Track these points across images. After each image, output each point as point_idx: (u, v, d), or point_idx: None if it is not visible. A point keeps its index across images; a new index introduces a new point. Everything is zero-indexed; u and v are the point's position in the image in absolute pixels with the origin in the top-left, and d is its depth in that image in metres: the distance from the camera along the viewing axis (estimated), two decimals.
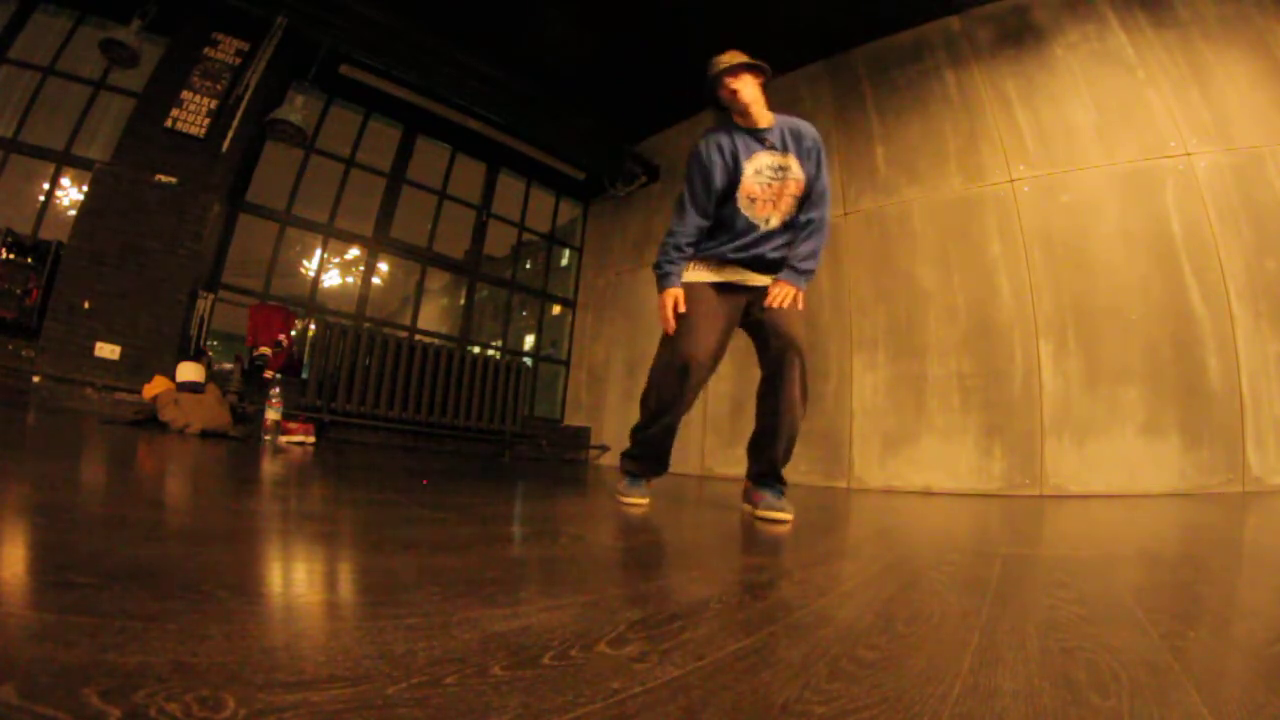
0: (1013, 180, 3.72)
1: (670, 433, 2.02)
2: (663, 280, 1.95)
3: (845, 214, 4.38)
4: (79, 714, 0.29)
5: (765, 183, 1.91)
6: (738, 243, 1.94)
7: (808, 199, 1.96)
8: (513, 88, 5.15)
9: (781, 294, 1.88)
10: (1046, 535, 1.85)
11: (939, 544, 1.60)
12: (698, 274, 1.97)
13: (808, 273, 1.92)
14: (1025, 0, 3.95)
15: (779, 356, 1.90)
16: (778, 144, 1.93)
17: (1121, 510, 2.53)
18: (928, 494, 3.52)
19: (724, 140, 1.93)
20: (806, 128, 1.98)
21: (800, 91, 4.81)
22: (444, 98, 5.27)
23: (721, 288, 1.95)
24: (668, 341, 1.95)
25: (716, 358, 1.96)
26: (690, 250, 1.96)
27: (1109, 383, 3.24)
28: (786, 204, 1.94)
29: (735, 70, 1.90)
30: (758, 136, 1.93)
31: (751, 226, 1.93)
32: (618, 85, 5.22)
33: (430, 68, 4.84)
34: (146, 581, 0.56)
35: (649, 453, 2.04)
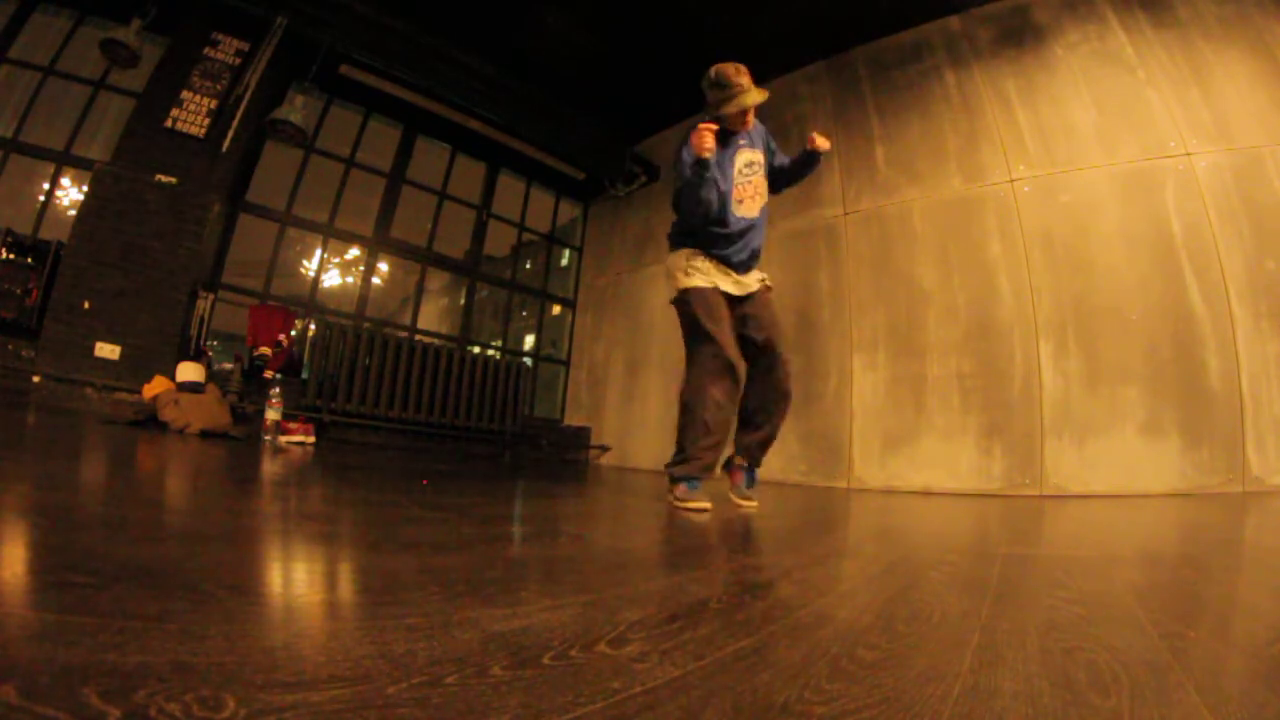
0: (1013, 180, 3.72)
1: (722, 428, 2.13)
2: (698, 165, 2.04)
3: (845, 214, 4.37)
4: (79, 714, 0.29)
5: (745, 181, 2.24)
6: (728, 233, 2.20)
7: (781, 170, 2.37)
8: (513, 88, 5.15)
9: (822, 139, 2.24)
10: (1046, 535, 1.85)
11: (939, 544, 1.60)
12: (696, 278, 2.18)
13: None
14: (1025, 0, 3.96)
15: (762, 364, 2.22)
16: (752, 142, 2.30)
17: (1121, 510, 2.53)
18: (928, 494, 3.52)
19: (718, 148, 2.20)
20: (762, 134, 2.37)
21: (800, 91, 4.81)
22: (444, 98, 5.26)
23: (724, 295, 2.20)
24: (699, 346, 2.14)
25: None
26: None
27: (1109, 383, 3.24)
28: (758, 196, 2.28)
29: (755, 108, 2.23)
30: (736, 137, 2.25)
31: (738, 217, 2.21)
32: (618, 85, 5.22)
33: (430, 68, 4.83)
34: (146, 581, 0.56)
35: (700, 454, 2.10)
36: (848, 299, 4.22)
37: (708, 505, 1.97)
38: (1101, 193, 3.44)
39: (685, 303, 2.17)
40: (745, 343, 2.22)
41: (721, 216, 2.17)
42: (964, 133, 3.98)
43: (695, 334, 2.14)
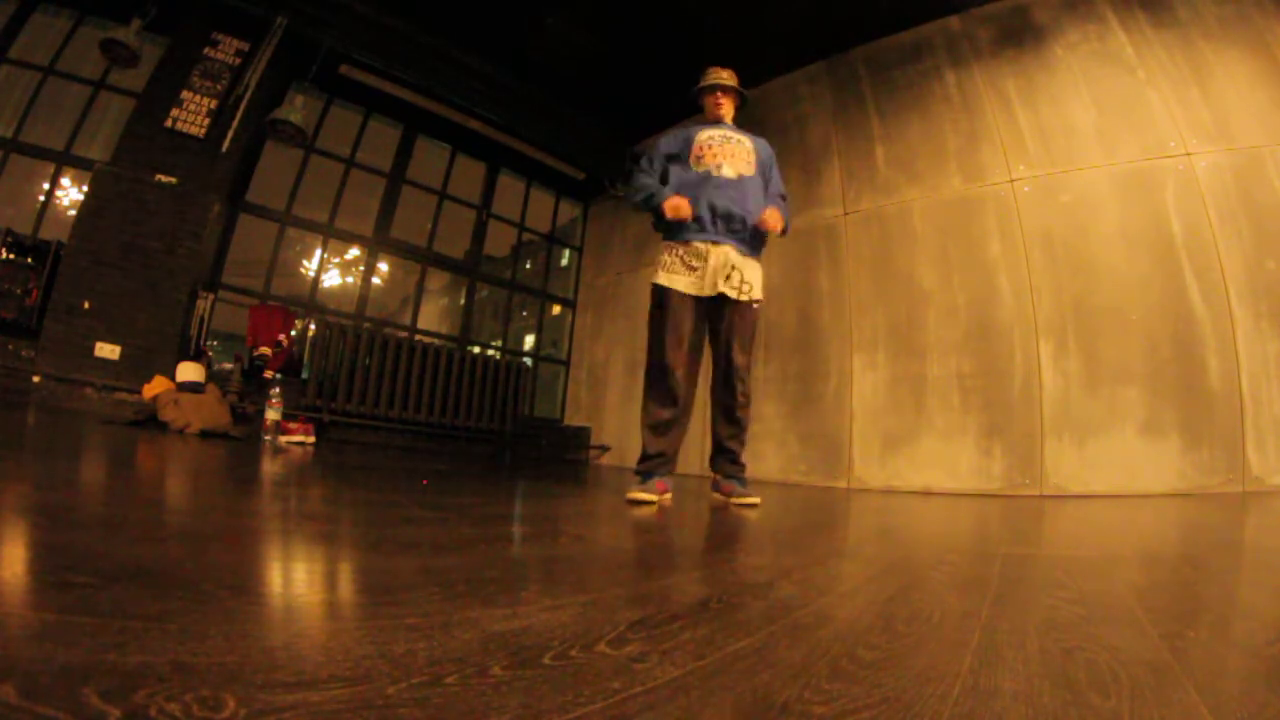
0: (1013, 180, 3.72)
1: (668, 427, 2.24)
2: (652, 201, 2.28)
3: (845, 214, 4.37)
4: (79, 714, 0.29)
5: (713, 143, 2.34)
6: (696, 194, 2.26)
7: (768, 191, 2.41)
8: (513, 88, 5.15)
9: (771, 217, 2.27)
10: (1046, 535, 1.85)
11: (939, 544, 1.60)
12: (669, 278, 2.26)
13: (785, 218, 2.36)
14: (1025, 0, 3.95)
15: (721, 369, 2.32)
16: (730, 130, 2.41)
17: (1121, 510, 2.53)
18: (928, 494, 3.52)
19: (679, 132, 2.42)
20: (762, 141, 2.47)
21: (800, 91, 4.80)
22: (444, 98, 5.26)
23: (690, 297, 2.26)
24: (648, 349, 2.28)
25: (696, 347, 2.29)
26: (654, 171, 2.37)
27: (1109, 383, 3.24)
28: (737, 161, 2.32)
29: (728, 90, 2.44)
30: (715, 125, 2.42)
31: (705, 176, 2.29)
32: (618, 85, 5.22)
33: (430, 68, 4.83)
34: (146, 581, 0.56)
35: (652, 449, 2.23)
36: (848, 299, 4.22)
37: (651, 499, 2.05)
38: (1101, 193, 3.44)
39: (652, 298, 2.32)
40: (712, 347, 2.35)
41: (682, 175, 2.32)
42: (964, 133, 3.98)
43: (649, 335, 2.31)
